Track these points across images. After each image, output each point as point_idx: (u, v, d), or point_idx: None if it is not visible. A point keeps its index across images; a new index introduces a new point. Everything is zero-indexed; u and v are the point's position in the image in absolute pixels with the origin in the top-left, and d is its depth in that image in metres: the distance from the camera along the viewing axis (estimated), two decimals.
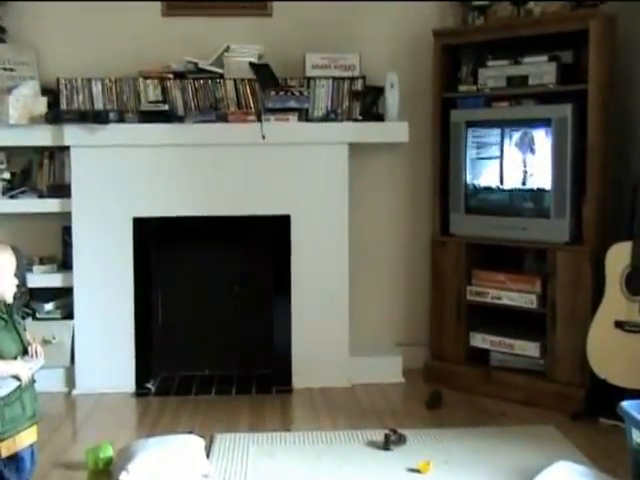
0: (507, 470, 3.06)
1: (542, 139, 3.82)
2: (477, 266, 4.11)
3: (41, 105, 4.11)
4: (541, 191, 3.84)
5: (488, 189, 4.03)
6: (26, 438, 2.52)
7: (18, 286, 2.58)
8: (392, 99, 4.20)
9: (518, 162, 3.92)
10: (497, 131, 3.99)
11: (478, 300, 4.06)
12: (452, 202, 4.14)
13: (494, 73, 4.03)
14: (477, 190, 4.07)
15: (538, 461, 3.05)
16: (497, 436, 3.40)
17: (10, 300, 2.53)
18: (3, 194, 4.15)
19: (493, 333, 4.04)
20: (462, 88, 4.16)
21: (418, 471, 3.04)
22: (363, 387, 4.12)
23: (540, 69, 3.87)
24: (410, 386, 4.18)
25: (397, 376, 4.25)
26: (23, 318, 2.85)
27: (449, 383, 4.07)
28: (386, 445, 3.26)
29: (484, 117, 4.06)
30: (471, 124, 4.07)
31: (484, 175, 4.04)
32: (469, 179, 4.08)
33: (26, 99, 4.08)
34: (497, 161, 4.00)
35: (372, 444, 3.32)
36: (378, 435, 3.35)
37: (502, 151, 3.97)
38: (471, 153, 4.07)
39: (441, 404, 3.83)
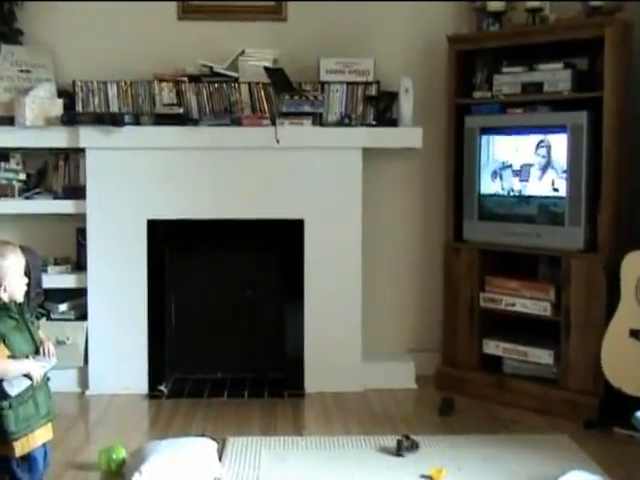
0: (520, 478, 3.04)
1: (557, 146, 3.81)
2: (490, 273, 4.09)
3: (57, 107, 4.12)
4: (556, 198, 3.82)
5: (502, 196, 4.02)
6: (40, 436, 2.53)
7: (31, 286, 2.59)
8: (406, 104, 4.19)
9: (533, 169, 3.91)
10: (512, 137, 3.99)
11: (491, 307, 4.05)
12: (466, 208, 4.13)
13: (509, 79, 4.03)
14: (491, 197, 4.05)
15: (551, 470, 3.04)
16: (510, 444, 3.38)
17: (21, 299, 2.55)
18: (19, 195, 4.17)
19: (506, 340, 4.02)
20: (477, 94, 4.15)
21: (431, 478, 3.02)
22: (375, 392, 4.11)
23: (555, 76, 3.87)
24: (422, 392, 4.17)
25: (409, 382, 4.24)
26: (37, 318, 2.86)
27: (461, 390, 4.05)
28: (398, 451, 3.25)
29: (499, 123, 4.05)
30: (485, 130, 4.06)
31: (498, 182, 4.03)
32: (483, 185, 4.06)
33: (42, 101, 4.10)
34: (511, 168, 3.99)
35: (384, 450, 3.30)
36: (390, 441, 3.34)
37: (516, 158, 3.97)
38: (485, 159, 4.06)
39: (453, 411, 3.82)
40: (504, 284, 4.03)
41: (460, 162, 4.17)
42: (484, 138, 4.06)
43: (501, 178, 4.02)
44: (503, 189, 4.02)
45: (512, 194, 3.99)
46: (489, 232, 4.04)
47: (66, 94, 4.21)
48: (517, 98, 3.99)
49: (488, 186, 4.06)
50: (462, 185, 4.16)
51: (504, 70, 4.06)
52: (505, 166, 4.01)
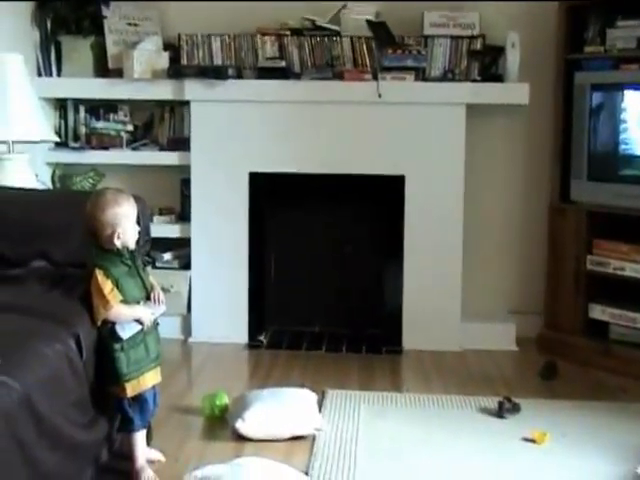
0: (626, 448, 2.91)
1: None
2: (598, 235, 3.95)
3: (163, 60, 4.18)
4: None
5: (613, 155, 3.86)
6: (150, 379, 2.58)
7: (141, 233, 2.63)
8: (513, 59, 4.07)
9: None
10: (625, 94, 3.81)
11: (598, 270, 3.91)
12: (574, 168, 3.99)
13: (623, 34, 3.84)
14: (601, 156, 3.90)
15: None
16: (616, 412, 3.27)
17: (133, 247, 2.59)
18: (126, 146, 4.28)
19: (614, 305, 3.88)
20: (588, 49, 3.98)
21: (534, 441, 2.95)
22: (474, 353, 4.06)
23: None
24: (523, 355, 4.10)
25: (510, 344, 4.17)
26: (145, 266, 2.92)
27: (564, 354, 3.95)
28: (500, 413, 3.19)
29: (611, 80, 3.88)
30: (597, 87, 3.89)
31: (609, 140, 3.87)
32: (592, 144, 3.91)
33: (149, 54, 4.16)
34: (624, 126, 3.81)
35: (485, 411, 3.25)
36: (491, 402, 3.28)
37: (629, 115, 3.79)
38: (596, 117, 3.91)
39: (556, 375, 3.73)
40: (613, 247, 3.88)
41: (568, 120, 4.02)
42: (595, 95, 3.90)
43: (613, 137, 3.87)
44: (614, 149, 3.86)
45: (624, 154, 3.82)
46: (598, 193, 3.89)
47: (172, 47, 4.25)
48: (632, 53, 3.80)
49: (598, 145, 3.91)
50: (570, 144, 4.01)
51: (618, 24, 3.86)
52: (617, 125, 3.85)
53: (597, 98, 3.91)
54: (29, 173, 3.56)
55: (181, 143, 4.21)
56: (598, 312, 3.95)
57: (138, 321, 2.53)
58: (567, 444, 2.96)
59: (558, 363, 3.81)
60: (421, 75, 4.13)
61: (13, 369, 2.02)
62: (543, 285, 4.22)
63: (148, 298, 2.60)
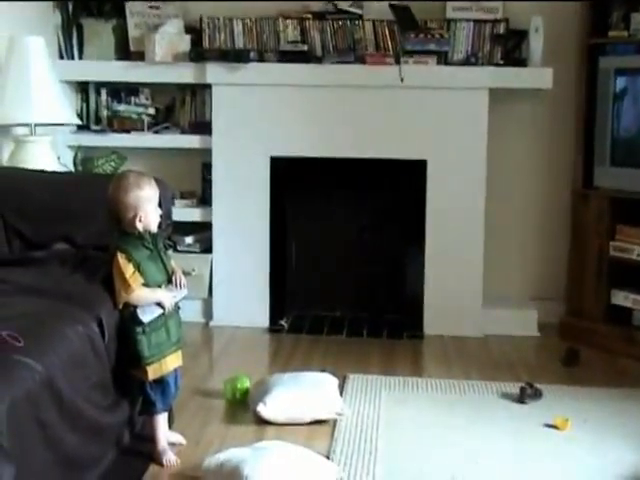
0: None
1: None
2: (621, 221, 3.90)
3: (185, 43, 4.17)
4: None
5: (637, 140, 3.81)
6: (171, 362, 2.59)
7: (162, 217, 2.63)
8: (536, 44, 4.03)
9: None
10: None
11: (622, 257, 3.87)
12: (597, 153, 3.94)
13: None
14: (625, 141, 3.85)
15: None
16: (638, 398, 3.23)
17: (155, 230, 2.59)
18: (148, 129, 4.28)
19: (637, 292, 3.84)
20: (612, 34, 3.93)
21: (555, 427, 2.93)
22: (496, 338, 4.05)
23: None
24: (545, 341, 4.07)
25: (532, 330, 4.15)
26: (166, 249, 2.92)
27: (586, 341, 3.92)
28: (521, 398, 3.17)
29: (636, 65, 3.82)
30: (621, 72, 3.84)
31: (633, 125, 3.82)
32: (616, 129, 3.86)
33: (171, 37, 4.15)
34: None
35: (507, 396, 3.24)
36: (513, 388, 3.27)
37: None
38: (619, 102, 3.85)
39: (578, 362, 3.70)
40: (636, 233, 3.83)
41: (592, 105, 3.97)
42: (619, 80, 3.84)
43: (636, 122, 3.80)
44: (638, 134, 3.79)
45: None
46: (621, 179, 3.85)
47: (193, 30, 4.24)
48: None
49: (622, 130, 3.85)
50: (593, 129, 3.97)
51: None
52: None
53: (621, 83, 3.86)
54: (51, 156, 3.57)
55: (202, 127, 4.21)
56: (621, 298, 3.91)
57: (159, 305, 2.54)
58: (589, 430, 2.94)
59: (580, 349, 3.78)
60: (443, 59, 4.09)
61: (35, 351, 2.04)
62: (565, 271, 4.19)
63: (170, 282, 2.61)
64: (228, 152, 4.13)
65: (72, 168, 4.06)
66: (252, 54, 4.08)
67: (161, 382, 2.58)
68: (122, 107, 4.30)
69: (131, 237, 2.53)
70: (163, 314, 2.55)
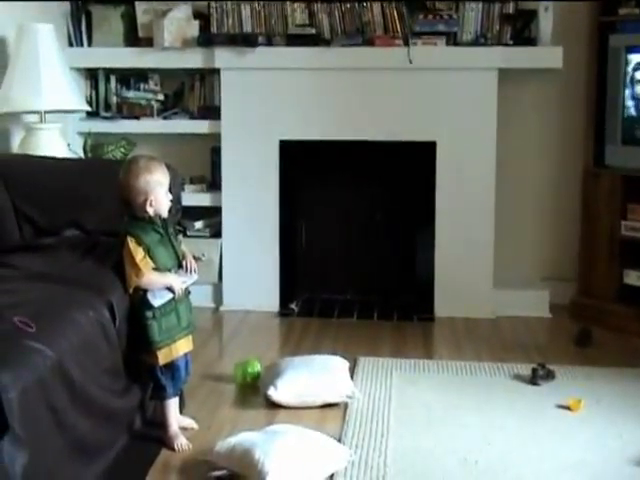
0: None
1: None
2: (633, 200, 3.88)
3: (193, 28, 4.17)
4: None
5: None
6: (182, 347, 2.61)
7: (172, 202, 2.63)
8: (546, 23, 4.00)
9: None
10: None
11: (633, 236, 3.85)
12: (608, 132, 3.91)
13: None
14: (637, 119, 3.82)
15: None
16: None
17: (165, 215, 2.60)
18: (157, 115, 4.29)
19: None
20: (622, 11, 3.89)
21: (568, 408, 2.92)
22: (507, 320, 4.04)
23: None
24: (556, 322, 4.06)
25: (543, 310, 4.14)
26: (176, 234, 2.93)
27: (598, 321, 3.90)
28: (533, 379, 3.17)
29: None
30: (632, 49, 3.80)
31: None
32: (627, 108, 3.83)
33: (179, 22, 4.15)
34: None
35: (519, 378, 3.23)
36: (525, 369, 3.26)
37: None
38: (631, 80, 3.81)
39: (590, 342, 3.69)
40: None
41: (602, 83, 3.94)
42: (630, 57, 3.81)
43: None
44: None
45: None
46: (633, 157, 3.82)
47: (201, 15, 4.23)
48: None
49: (633, 109, 3.82)
50: (604, 108, 3.93)
51: None
52: None
53: (632, 61, 3.81)
54: (61, 143, 3.59)
55: (211, 111, 4.21)
56: (633, 278, 3.89)
57: (169, 289, 2.55)
58: (602, 411, 2.93)
59: (592, 330, 3.77)
60: (452, 40, 4.07)
61: (46, 336, 2.05)
62: (577, 251, 4.17)
63: (180, 266, 2.62)
64: (237, 136, 4.14)
65: (82, 155, 4.08)
66: (260, 38, 4.07)
67: (171, 367, 2.60)
68: (131, 93, 4.31)
69: (141, 222, 2.55)
70: (173, 299, 2.55)
